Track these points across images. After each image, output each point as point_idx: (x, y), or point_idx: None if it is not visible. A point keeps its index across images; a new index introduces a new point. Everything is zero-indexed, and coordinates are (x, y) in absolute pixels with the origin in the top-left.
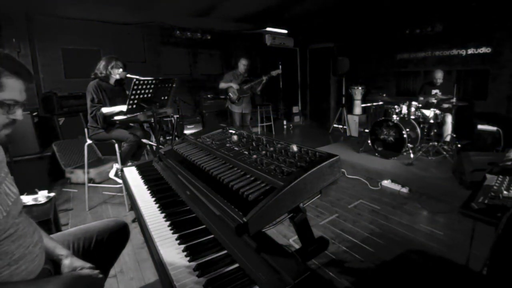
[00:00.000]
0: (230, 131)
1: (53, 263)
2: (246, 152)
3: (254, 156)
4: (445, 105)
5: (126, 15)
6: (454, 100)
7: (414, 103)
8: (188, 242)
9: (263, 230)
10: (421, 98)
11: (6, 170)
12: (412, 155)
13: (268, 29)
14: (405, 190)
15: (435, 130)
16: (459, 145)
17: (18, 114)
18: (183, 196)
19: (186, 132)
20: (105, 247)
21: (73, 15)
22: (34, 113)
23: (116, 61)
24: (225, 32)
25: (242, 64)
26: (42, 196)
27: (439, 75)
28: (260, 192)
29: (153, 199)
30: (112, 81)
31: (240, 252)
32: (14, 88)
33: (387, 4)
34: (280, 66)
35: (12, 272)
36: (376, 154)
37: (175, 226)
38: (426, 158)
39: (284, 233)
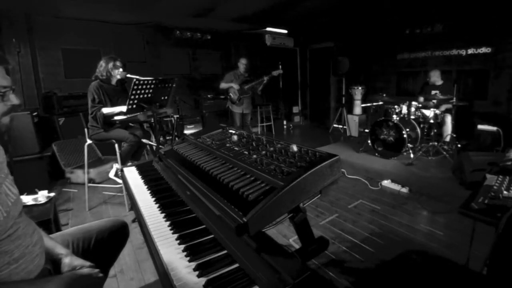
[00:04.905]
0: (230, 131)
1: (53, 262)
2: (246, 152)
3: (254, 156)
4: (444, 107)
5: (126, 15)
6: (454, 100)
7: (414, 103)
8: (188, 242)
9: (263, 230)
10: (421, 99)
11: (6, 171)
12: (412, 155)
13: (268, 29)
14: (405, 190)
15: (435, 130)
16: (459, 145)
17: (13, 98)
18: (183, 196)
19: (186, 132)
20: (104, 246)
21: (73, 15)
22: (34, 113)
23: (114, 61)
24: (225, 32)
25: (242, 64)
26: (42, 196)
27: (434, 77)
28: (260, 192)
29: (153, 199)
30: (113, 82)
31: (240, 252)
32: None
33: (387, 4)
34: (280, 66)
35: (11, 271)
36: (376, 154)
37: (175, 226)
38: (426, 158)
39: (284, 233)
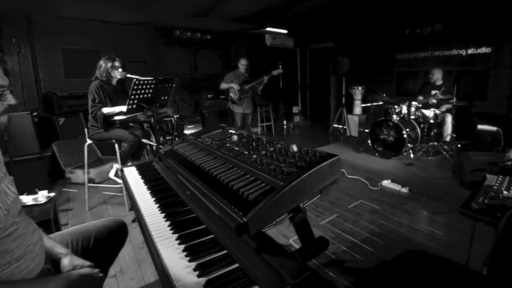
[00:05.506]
0: (230, 131)
1: (53, 262)
2: (246, 152)
3: (254, 156)
4: (444, 107)
5: (126, 15)
6: (454, 100)
7: (414, 103)
8: (188, 242)
9: (263, 230)
10: (421, 98)
11: (4, 170)
12: (412, 155)
13: (268, 29)
14: (405, 190)
15: (435, 130)
16: (459, 145)
17: (10, 98)
18: (183, 196)
19: (186, 132)
20: (103, 246)
21: (73, 15)
22: (34, 113)
23: (113, 62)
24: (225, 32)
25: (242, 64)
26: (42, 196)
27: (437, 75)
28: (260, 192)
29: (153, 199)
30: (114, 82)
31: (240, 252)
32: None
33: (387, 4)
34: (280, 66)
35: (12, 271)
36: (376, 154)
37: (175, 226)
38: (426, 158)
39: (284, 233)
